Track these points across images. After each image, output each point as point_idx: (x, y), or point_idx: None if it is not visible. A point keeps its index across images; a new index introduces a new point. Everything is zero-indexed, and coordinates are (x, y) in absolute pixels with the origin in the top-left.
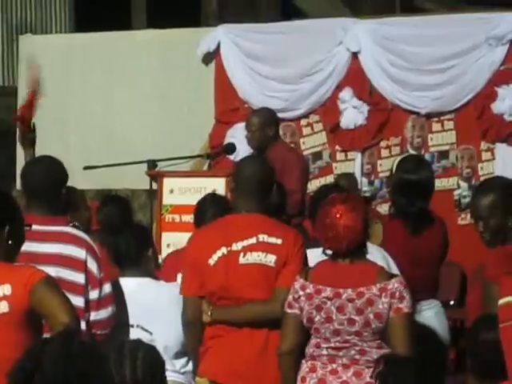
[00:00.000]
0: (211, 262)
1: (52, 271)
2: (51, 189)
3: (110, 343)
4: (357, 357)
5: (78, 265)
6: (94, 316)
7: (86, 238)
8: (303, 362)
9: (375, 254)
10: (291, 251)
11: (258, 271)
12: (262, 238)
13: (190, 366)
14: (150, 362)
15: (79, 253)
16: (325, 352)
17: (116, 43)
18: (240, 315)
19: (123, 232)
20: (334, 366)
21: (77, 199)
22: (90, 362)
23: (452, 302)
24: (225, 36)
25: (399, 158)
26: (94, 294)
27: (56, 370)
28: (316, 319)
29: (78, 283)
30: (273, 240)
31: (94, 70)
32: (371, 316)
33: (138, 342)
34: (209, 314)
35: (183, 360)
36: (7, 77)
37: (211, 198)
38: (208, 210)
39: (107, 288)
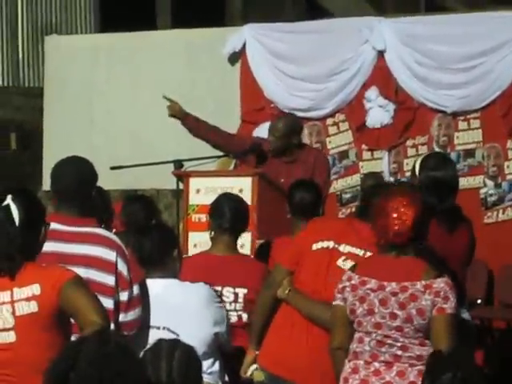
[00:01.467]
0: (314, 247)
1: (82, 272)
2: (82, 190)
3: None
4: (399, 353)
5: (108, 266)
6: (122, 318)
7: (117, 239)
8: (346, 361)
9: None
10: None
11: None
12: (368, 254)
13: (216, 367)
14: (187, 363)
15: (110, 254)
16: (367, 348)
17: (141, 43)
18: (310, 313)
19: (149, 232)
20: (377, 365)
21: (108, 199)
22: (126, 361)
23: (479, 301)
24: (250, 35)
25: (422, 157)
26: (123, 296)
27: (92, 369)
28: (358, 311)
29: (108, 285)
30: None
31: (119, 70)
32: (413, 312)
33: (176, 341)
34: (286, 292)
35: (210, 361)
36: (33, 78)
37: (226, 196)
38: (224, 206)
39: (135, 290)
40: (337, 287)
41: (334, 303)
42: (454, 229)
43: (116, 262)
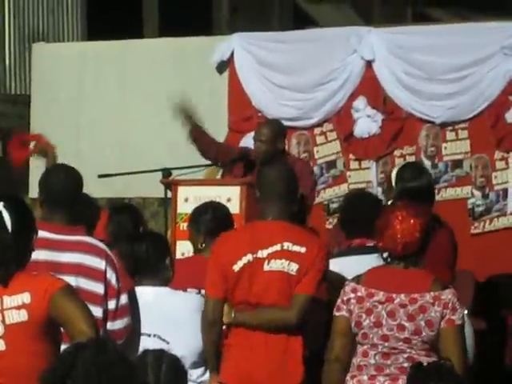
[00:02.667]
0: (236, 268)
1: (72, 281)
2: (72, 198)
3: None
4: (405, 365)
5: (97, 275)
6: (110, 326)
7: (106, 248)
8: (348, 378)
9: None
10: (314, 260)
11: (281, 279)
12: (287, 246)
13: (206, 376)
14: (173, 375)
15: (99, 263)
16: (372, 361)
17: (129, 51)
18: (260, 319)
19: (142, 240)
20: (382, 379)
21: (97, 208)
22: (124, 369)
23: (465, 312)
24: (239, 44)
25: (397, 168)
26: (111, 304)
27: (90, 376)
28: (365, 323)
29: (97, 293)
30: (297, 248)
31: (106, 78)
32: (422, 323)
33: (162, 352)
34: (232, 315)
35: (200, 370)
36: (19, 85)
37: (209, 203)
38: (206, 213)
39: (124, 299)
40: (341, 298)
41: (336, 314)
42: (433, 236)
43: (105, 270)
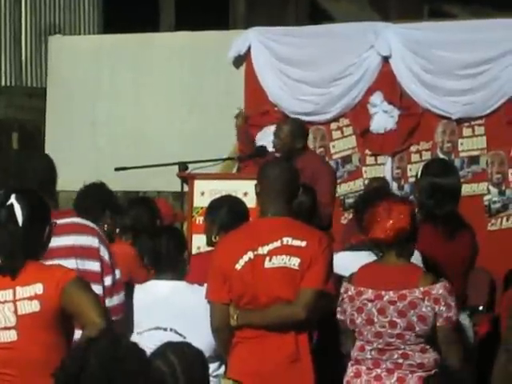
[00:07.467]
0: (238, 266)
1: (69, 263)
2: (46, 182)
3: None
4: (400, 361)
5: (92, 253)
6: (108, 302)
7: (95, 226)
8: (349, 365)
9: (415, 257)
10: (315, 253)
11: (283, 274)
12: (287, 240)
13: (221, 370)
14: (197, 367)
15: (92, 241)
16: (369, 356)
17: (145, 45)
18: (264, 319)
19: (160, 235)
20: (379, 371)
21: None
22: (136, 363)
23: (481, 308)
24: (255, 39)
25: (426, 162)
26: (107, 281)
27: (103, 370)
28: (358, 321)
29: (95, 271)
30: (297, 243)
31: (122, 71)
32: (415, 319)
33: (185, 344)
34: (235, 317)
35: (215, 364)
36: (36, 78)
37: (227, 197)
38: (223, 207)
39: (118, 274)
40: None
41: (337, 316)
42: (453, 235)
43: (98, 247)
